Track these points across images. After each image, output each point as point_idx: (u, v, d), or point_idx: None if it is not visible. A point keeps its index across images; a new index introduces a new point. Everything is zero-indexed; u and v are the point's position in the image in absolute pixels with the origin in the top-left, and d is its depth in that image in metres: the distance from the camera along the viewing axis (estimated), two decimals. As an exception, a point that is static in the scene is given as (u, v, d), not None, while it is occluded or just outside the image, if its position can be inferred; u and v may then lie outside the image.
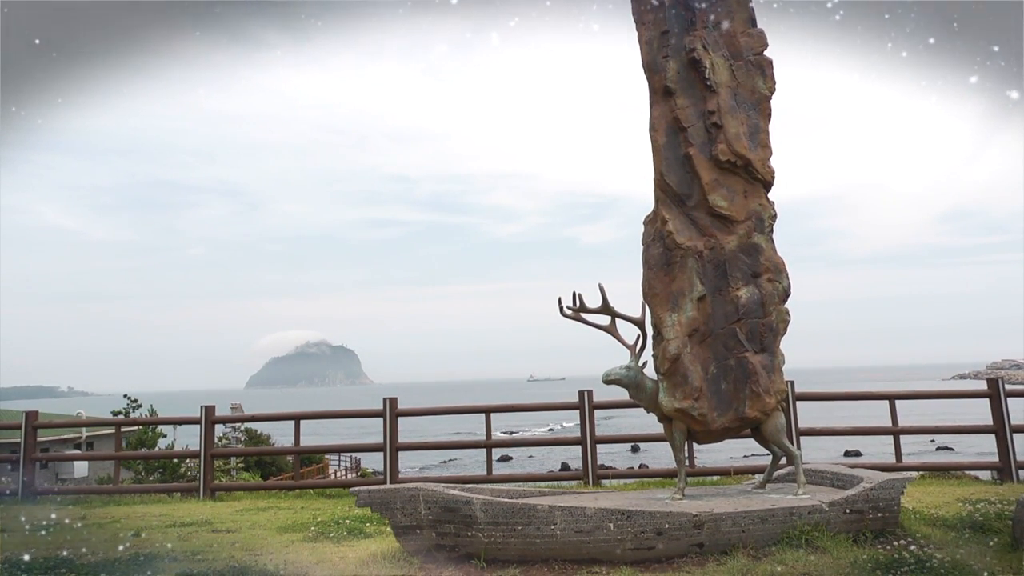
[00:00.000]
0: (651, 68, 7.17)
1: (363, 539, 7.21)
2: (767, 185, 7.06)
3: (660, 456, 47.77)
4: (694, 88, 7.06)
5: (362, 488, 5.98)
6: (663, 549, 5.63)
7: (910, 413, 13.07)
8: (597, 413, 11.16)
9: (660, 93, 7.13)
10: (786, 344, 6.89)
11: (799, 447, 10.23)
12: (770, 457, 7.13)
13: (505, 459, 53.35)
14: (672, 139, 7.07)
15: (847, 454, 43.87)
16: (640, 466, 40.01)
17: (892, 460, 10.88)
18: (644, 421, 8.88)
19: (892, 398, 10.89)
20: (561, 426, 66.59)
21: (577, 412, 11.04)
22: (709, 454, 33.55)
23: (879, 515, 6.02)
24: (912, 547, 5.59)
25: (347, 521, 7.87)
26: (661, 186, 7.03)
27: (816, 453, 32.33)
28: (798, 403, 10.61)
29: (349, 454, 33.93)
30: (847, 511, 5.95)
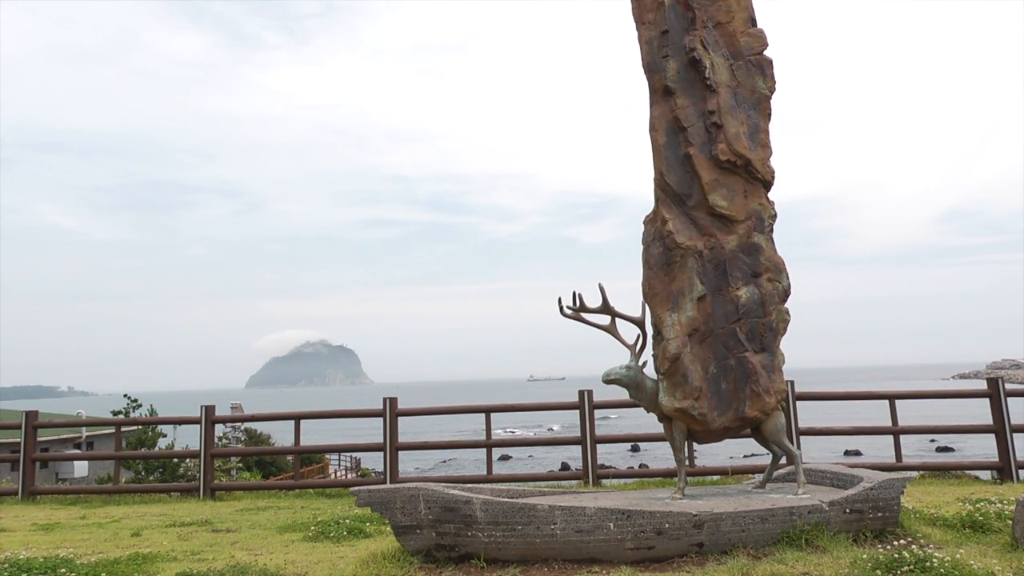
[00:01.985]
0: (651, 68, 7.16)
1: (363, 539, 7.21)
2: (767, 185, 7.05)
3: (660, 456, 47.78)
4: (694, 88, 7.05)
5: (362, 488, 5.97)
6: (663, 549, 5.63)
7: (910, 413, 13.07)
8: (596, 413, 11.16)
9: (660, 93, 7.13)
10: (786, 344, 6.89)
11: (799, 447, 10.24)
12: (770, 457, 7.13)
13: (505, 459, 53.38)
14: (672, 139, 7.07)
15: (847, 454, 43.96)
16: (640, 466, 40.03)
17: (892, 460, 10.89)
18: (644, 421, 8.88)
19: (892, 398, 10.89)
20: (555, 428, 66.49)
21: (570, 415, 11.04)
22: (709, 454, 33.58)
23: (879, 515, 6.02)
24: (912, 547, 5.59)
25: (347, 521, 7.87)
26: (661, 186, 7.03)
27: (816, 453, 32.36)
28: (798, 403, 10.62)
29: (349, 454, 33.95)
30: (847, 511, 5.94)
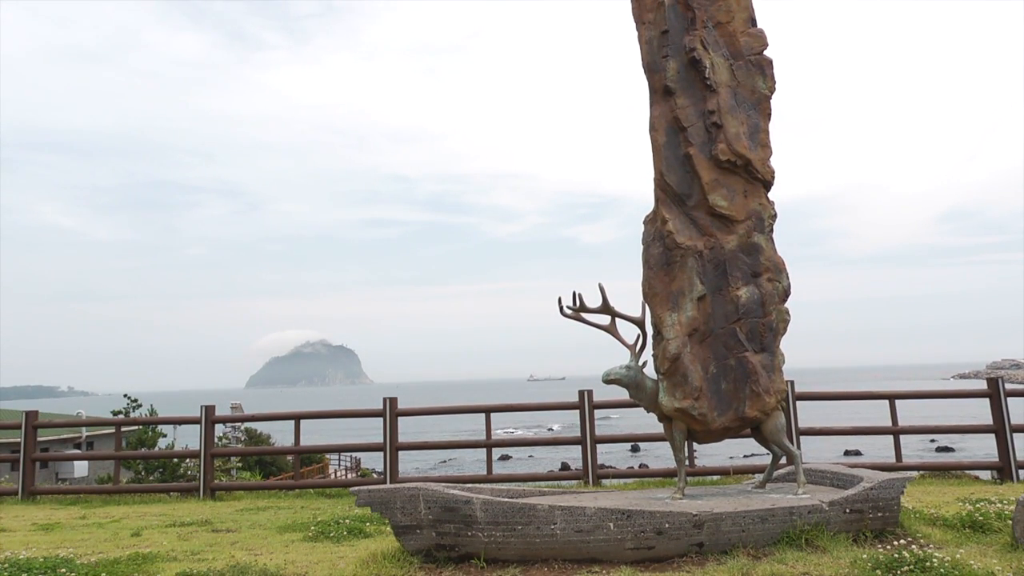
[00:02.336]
0: (651, 68, 7.16)
1: (363, 539, 7.21)
2: (767, 185, 7.05)
3: (660, 456, 47.79)
4: (694, 88, 7.05)
5: (362, 488, 5.97)
6: (663, 549, 5.63)
7: (910, 413, 13.07)
8: (597, 413, 11.16)
9: (660, 93, 7.13)
10: (786, 344, 6.89)
11: (799, 447, 10.24)
12: (770, 457, 7.13)
13: (505, 459, 53.38)
14: (672, 139, 7.06)
15: (847, 454, 43.96)
16: (640, 466, 40.05)
17: (892, 460, 10.89)
18: (644, 421, 8.88)
19: (892, 398, 10.89)
20: (555, 428, 66.49)
21: (570, 415, 11.04)
22: (709, 454, 33.57)
23: (879, 515, 6.02)
24: (912, 547, 5.59)
25: (347, 521, 7.87)
26: (661, 186, 7.03)
27: (816, 453, 32.35)
28: (798, 403, 10.62)
29: (349, 454, 33.95)
30: (847, 511, 5.94)
